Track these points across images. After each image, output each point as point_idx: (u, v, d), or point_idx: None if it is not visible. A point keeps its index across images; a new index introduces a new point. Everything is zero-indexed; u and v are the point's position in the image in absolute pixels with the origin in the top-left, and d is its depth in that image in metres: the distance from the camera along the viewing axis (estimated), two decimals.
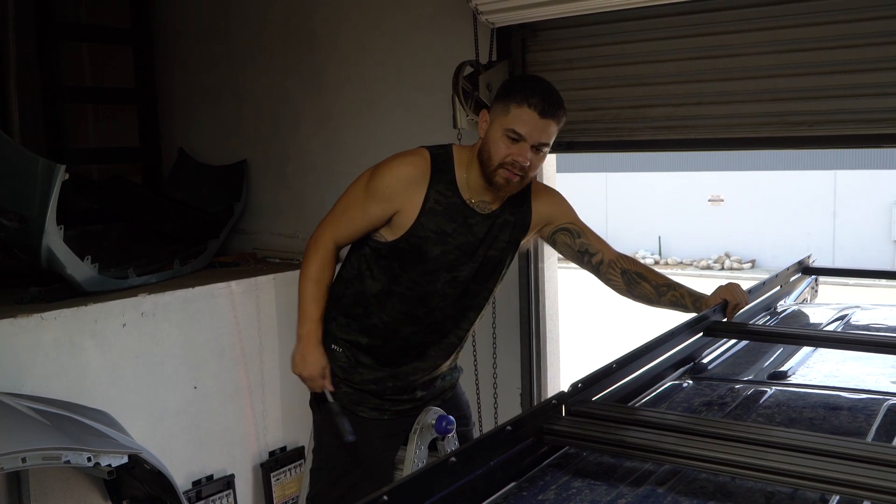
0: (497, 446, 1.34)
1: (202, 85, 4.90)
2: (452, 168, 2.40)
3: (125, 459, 2.67)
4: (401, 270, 2.43)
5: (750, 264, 17.40)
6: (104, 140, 5.18)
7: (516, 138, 2.26)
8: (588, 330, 9.67)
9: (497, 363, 3.89)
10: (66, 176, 3.07)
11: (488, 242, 2.45)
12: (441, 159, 2.41)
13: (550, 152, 3.76)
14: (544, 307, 3.91)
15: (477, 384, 3.89)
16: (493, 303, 3.84)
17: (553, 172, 3.98)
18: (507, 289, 3.87)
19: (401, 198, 2.37)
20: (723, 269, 17.53)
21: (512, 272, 3.86)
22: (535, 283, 3.87)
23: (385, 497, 1.07)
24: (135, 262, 3.86)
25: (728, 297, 2.32)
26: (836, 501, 1.29)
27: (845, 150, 16.32)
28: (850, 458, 1.31)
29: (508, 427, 1.36)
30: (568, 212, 2.59)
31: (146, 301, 3.51)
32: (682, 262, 18.43)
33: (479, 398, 3.87)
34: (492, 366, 3.90)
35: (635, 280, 2.50)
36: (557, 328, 4.08)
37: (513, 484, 1.40)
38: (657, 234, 18.77)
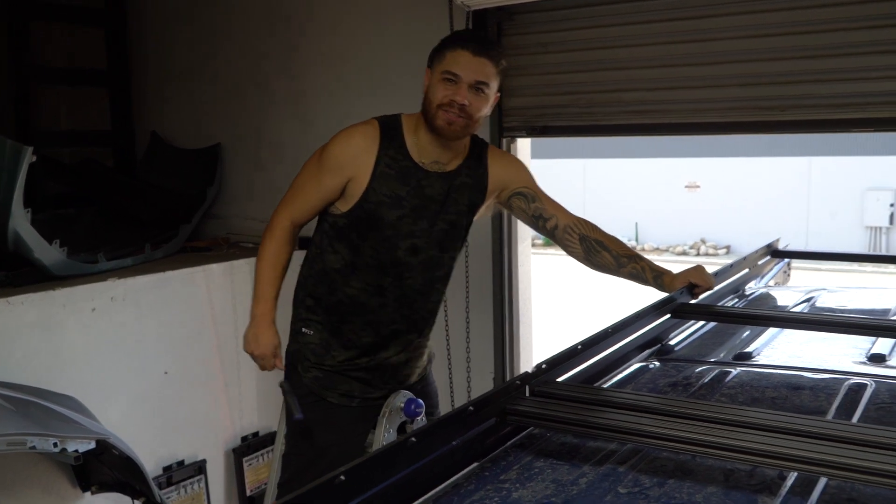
0: (459, 426, 1.34)
1: (176, 67, 4.85)
2: (402, 133, 2.43)
3: (92, 445, 2.64)
4: (360, 240, 2.44)
5: (725, 250, 17.53)
6: (76, 123, 5.11)
7: (452, 79, 2.30)
8: (562, 314, 9.71)
9: (470, 347, 3.90)
10: (34, 158, 3.03)
11: (447, 206, 2.46)
12: (390, 125, 2.44)
13: (524, 137, 3.80)
14: (517, 291, 3.92)
15: (450, 368, 3.90)
16: (467, 285, 3.84)
17: (528, 157, 3.97)
18: (480, 272, 3.87)
19: (352, 165, 2.39)
20: (698, 254, 17.65)
21: (485, 256, 3.88)
22: (508, 267, 3.88)
23: (342, 477, 1.07)
24: (106, 246, 3.82)
25: (694, 280, 2.35)
26: (793, 478, 1.30)
27: (819, 137, 16.41)
28: (808, 436, 1.32)
29: (471, 407, 1.36)
30: (524, 176, 2.60)
31: (117, 285, 3.48)
32: (658, 248, 18.53)
33: (451, 382, 3.88)
34: (465, 349, 3.90)
35: (594, 248, 2.50)
36: (531, 312, 4.09)
37: (475, 464, 1.40)
38: (634, 221, 18.85)
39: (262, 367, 2.59)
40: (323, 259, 2.51)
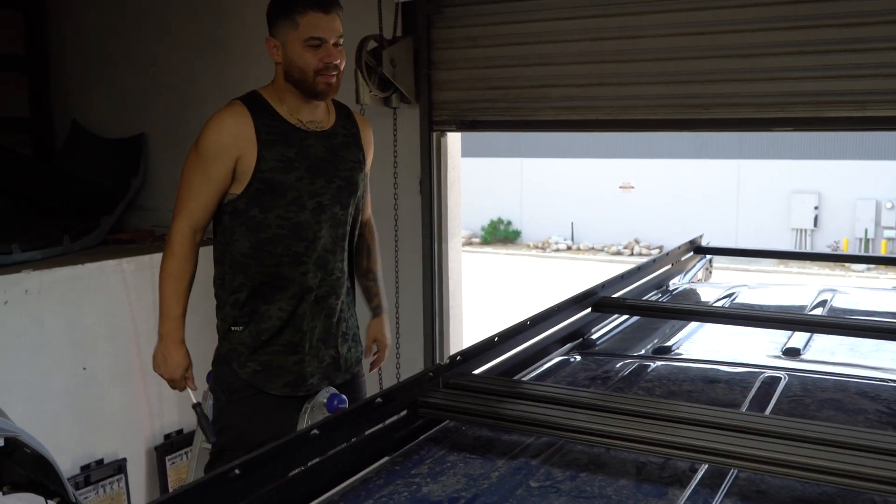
0: (366, 419, 1.30)
1: (99, 54, 4.70)
2: (267, 103, 2.45)
3: (1, 443, 2.54)
4: (264, 214, 2.42)
5: (658, 250, 17.84)
6: None
7: (318, 43, 2.36)
8: (498, 312, 9.74)
9: (400, 343, 3.87)
10: None
11: (335, 162, 2.51)
12: (253, 99, 2.46)
13: (454, 131, 3.79)
14: (447, 287, 3.90)
15: (380, 367, 3.85)
16: (397, 281, 3.81)
17: (458, 154, 3.96)
18: (410, 268, 3.84)
19: (235, 144, 2.38)
20: (632, 254, 17.94)
21: (415, 250, 3.85)
22: (438, 263, 3.86)
23: (237, 471, 1.02)
24: (20, 237, 3.67)
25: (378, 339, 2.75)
26: (703, 470, 1.29)
27: (748, 140, 16.89)
28: (720, 428, 1.32)
29: (379, 399, 1.32)
30: (371, 157, 2.69)
31: (30, 278, 3.35)
32: (593, 248, 18.78)
33: (381, 381, 3.84)
34: (395, 346, 3.86)
35: (361, 250, 2.74)
36: (461, 307, 4.07)
37: (386, 458, 1.36)
38: (570, 220, 19.06)
39: (174, 388, 2.54)
40: (231, 250, 2.46)
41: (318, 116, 2.51)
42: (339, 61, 2.39)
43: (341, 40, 2.41)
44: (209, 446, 2.63)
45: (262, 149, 2.38)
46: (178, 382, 2.50)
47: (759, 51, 3.12)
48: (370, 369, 2.82)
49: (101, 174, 4.49)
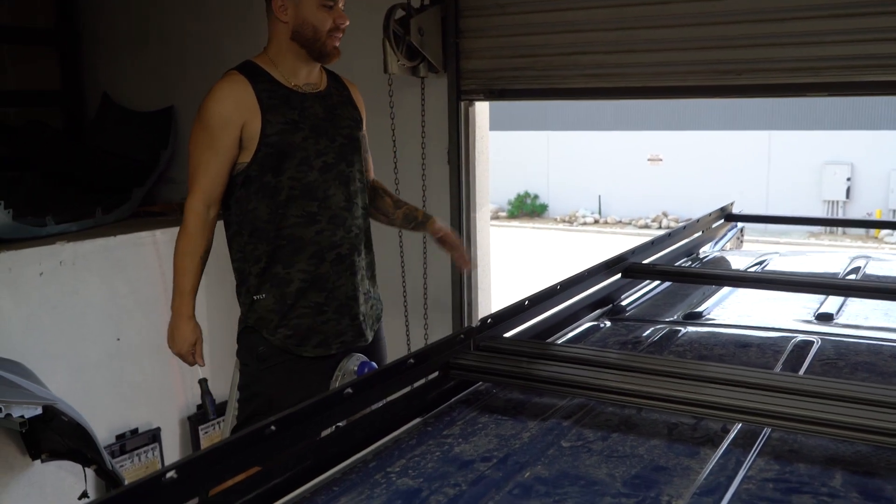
0: (399, 379, 1.31)
1: (128, 27, 4.72)
2: (263, 70, 2.49)
3: (39, 410, 2.59)
4: (276, 177, 2.45)
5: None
6: (24, 83, 4.96)
7: (332, 5, 2.46)
8: (522, 285, 9.74)
9: (428, 314, 3.88)
10: None
11: (335, 121, 2.56)
12: (249, 67, 2.49)
13: (482, 100, 3.77)
14: (475, 257, 3.90)
15: (408, 335, 3.88)
16: (424, 252, 3.81)
17: (486, 124, 3.93)
18: None
19: (238, 111, 2.42)
20: (660, 227, 17.78)
21: (443, 222, 3.84)
22: (466, 234, 3.85)
23: (273, 427, 1.03)
24: (55, 209, 3.72)
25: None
26: (736, 430, 1.29)
27: (779, 110, 16.62)
28: (752, 387, 1.31)
29: (411, 360, 1.33)
30: (363, 120, 2.74)
31: (65, 249, 3.40)
32: (621, 221, 18.65)
33: (409, 345, 3.86)
34: (423, 317, 3.88)
35: (380, 194, 2.79)
36: (489, 277, 4.07)
37: (418, 419, 1.37)
38: (598, 193, 18.92)
39: (186, 363, 2.59)
40: (249, 220, 2.49)
41: (313, 79, 2.56)
42: (346, 23, 2.49)
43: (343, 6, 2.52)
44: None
45: (265, 113, 2.42)
46: (187, 357, 2.54)
47: (791, 14, 3.06)
48: (465, 266, 2.92)
49: (131, 147, 4.52)
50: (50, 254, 3.35)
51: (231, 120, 2.40)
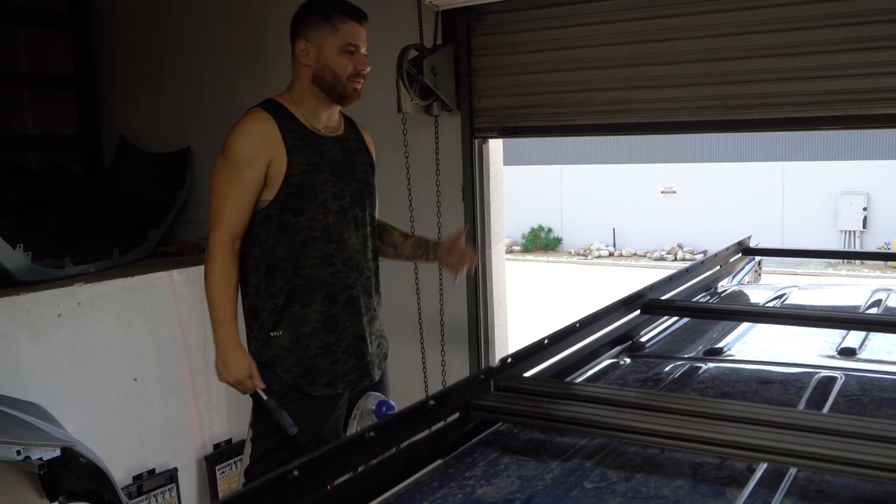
0: (420, 421, 1.31)
1: (144, 71, 4.79)
2: (287, 110, 2.53)
3: (57, 452, 2.58)
4: (296, 217, 2.48)
5: (702, 255, 17.63)
6: (42, 127, 5.03)
7: (353, 50, 2.50)
8: (538, 320, 9.71)
9: (445, 351, 3.87)
10: None
11: (351, 166, 2.60)
12: (273, 106, 2.53)
13: (495, 138, 3.80)
14: (492, 294, 3.89)
15: (424, 372, 3.86)
16: (441, 287, 3.81)
17: (500, 161, 3.95)
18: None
19: (265, 149, 2.45)
20: (675, 259, 17.74)
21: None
22: (482, 271, 3.85)
23: (295, 472, 1.03)
24: (73, 251, 3.76)
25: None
26: (762, 470, 1.27)
27: (792, 142, 16.63)
28: (777, 426, 1.29)
29: (432, 401, 1.32)
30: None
31: (83, 290, 3.41)
32: (635, 254, 18.61)
33: (426, 388, 3.84)
34: (440, 353, 3.87)
35: (387, 229, 2.84)
36: (506, 315, 4.06)
37: (439, 461, 1.36)
38: (612, 226, 18.92)
39: (243, 392, 2.53)
40: (270, 254, 2.51)
41: (332, 122, 2.61)
42: (368, 69, 2.53)
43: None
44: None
45: (290, 153, 2.46)
46: (246, 383, 2.48)
47: (802, 49, 3.08)
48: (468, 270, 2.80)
49: (148, 188, 4.57)
50: (68, 295, 3.36)
51: (258, 157, 2.43)
